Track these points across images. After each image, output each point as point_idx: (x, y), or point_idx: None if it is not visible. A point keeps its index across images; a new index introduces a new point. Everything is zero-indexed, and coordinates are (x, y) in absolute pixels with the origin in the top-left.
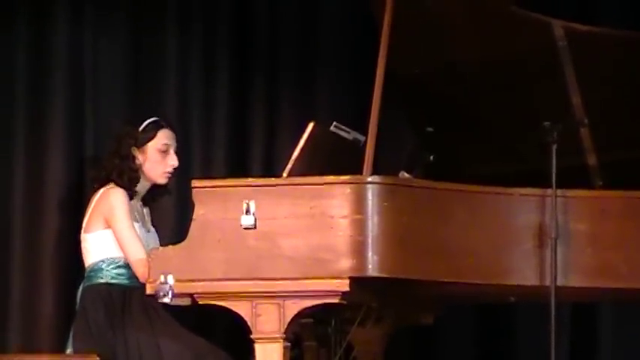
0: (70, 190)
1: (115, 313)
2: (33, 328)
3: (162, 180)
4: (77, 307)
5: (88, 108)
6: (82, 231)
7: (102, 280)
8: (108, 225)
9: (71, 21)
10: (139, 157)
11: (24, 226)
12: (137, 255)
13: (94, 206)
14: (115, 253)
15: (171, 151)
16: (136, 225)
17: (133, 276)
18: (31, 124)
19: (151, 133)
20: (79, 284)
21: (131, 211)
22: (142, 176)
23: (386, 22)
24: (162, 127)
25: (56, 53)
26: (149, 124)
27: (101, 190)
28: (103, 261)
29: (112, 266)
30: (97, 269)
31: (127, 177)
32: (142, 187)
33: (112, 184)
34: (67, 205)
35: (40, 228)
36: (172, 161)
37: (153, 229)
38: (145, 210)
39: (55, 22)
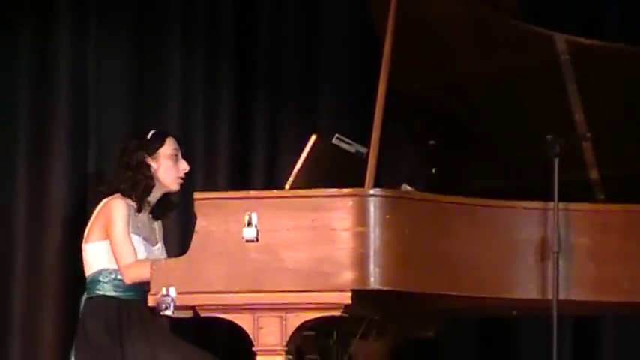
0: (73, 204)
1: (113, 326)
2: (35, 341)
3: (175, 186)
4: (79, 319)
5: (91, 121)
6: (83, 241)
7: (100, 292)
8: (107, 235)
9: (74, 34)
10: (153, 165)
11: (26, 240)
12: (125, 260)
13: (96, 216)
14: (113, 264)
15: (180, 157)
16: (137, 238)
17: (130, 289)
18: (33, 138)
19: (159, 141)
20: (81, 295)
21: (132, 222)
22: (155, 185)
23: (388, 36)
24: (167, 134)
25: (59, 66)
26: (155, 133)
27: (104, 201)
28: (100, 272)
29: (109, 278)
30: (95, 281)
31: (143, 186)
32: (153, 197)
33: (116, 195)
34: (70, 219)
35: (43, 242)
36: (184, 166)
37: (161, 244)
38: (157, 224)
39: (58, 35)
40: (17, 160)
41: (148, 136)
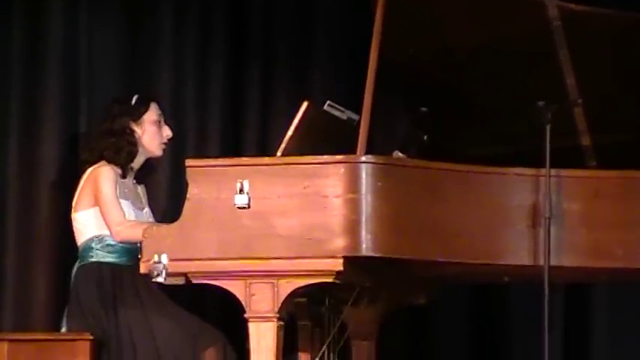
0: (63, 171)
1: (106, 293)
2: (27, 307)
3: (159, 151)
4: (71, 286)
5: (82, 94)
6: (72, 210)
7: (93, 259)
8: (96, 202)
9: (66, 6)
10: (138, 131)
11: (18, 207)
12: (115, 219)
13: (83, 185)
14: (105, 230)
15: (163, 122)
16: (125, 202)
17: (123, 254)
18: (25, 108)
19: (144, 107)
20: (73, 263)
21: (119, 187)
22: (139, 150)
23: (380, 3)
24: (151, 99)
25: (51, 38)
26: (139, 98)
27: (90, 169)
28: (92, 239)
29: (102, 244)
30: (87, 248)
31: (126, 152)
32: (136, 162)
33: (101, 162)
34: (61, 185)
35: (34, 208)
36: (168, 132)
37: (147, 208)
38: (140, 188)
39: (49, 7)
40: (9, 128)
41: (132, 101)
